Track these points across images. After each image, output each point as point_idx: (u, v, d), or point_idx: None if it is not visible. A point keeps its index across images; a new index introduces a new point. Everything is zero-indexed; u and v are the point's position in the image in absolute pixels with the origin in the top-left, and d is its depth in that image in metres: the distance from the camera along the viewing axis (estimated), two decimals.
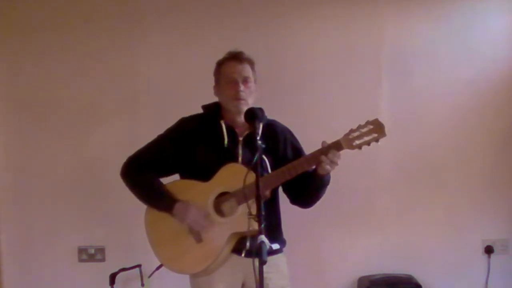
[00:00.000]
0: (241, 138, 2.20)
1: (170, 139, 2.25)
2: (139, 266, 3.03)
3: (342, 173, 2.99)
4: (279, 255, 2.25)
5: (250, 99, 2.19)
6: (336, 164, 2.03)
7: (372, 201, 3.12)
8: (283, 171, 2.06)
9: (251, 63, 2.22)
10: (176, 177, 2.32)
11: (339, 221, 3.08)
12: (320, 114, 3.08)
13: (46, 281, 3.17)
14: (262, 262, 1.69)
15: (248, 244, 2.15)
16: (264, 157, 2.10)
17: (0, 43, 3.13)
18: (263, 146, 1.99)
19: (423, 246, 3.12)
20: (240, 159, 2.17)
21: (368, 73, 3.11)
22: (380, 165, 3.11)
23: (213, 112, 2.25)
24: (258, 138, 2.07)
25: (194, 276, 2.23)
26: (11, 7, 3.12)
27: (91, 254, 3.16)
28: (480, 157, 3.13)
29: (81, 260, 3.17)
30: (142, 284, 3.02)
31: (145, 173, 2.23)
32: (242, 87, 2.15)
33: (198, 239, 2.13)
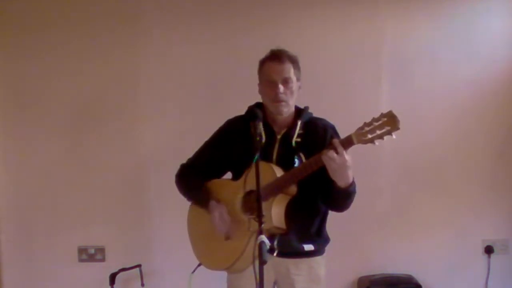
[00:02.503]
0: (279, 137, 2.18)
1: (215, 144, 2.29)
2: (139, 266, 3.03)
3: None
4: (316, 258, 2.21)
5: (291, 100, 2.15)
6: (336, 161, 1.92)
7: (372, 201, 3.12)
8: (303, 166, 2.03)
9: (293, 61, 2.16)
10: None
11: (340, 221, 3.06)
12: (320, 114, 3.06)
13: (46, 281, 3.17)
14: (262, 262, 1.68)
15: (276, 243, 2.14)
16: (301, 154, 2.11)
17: (0, 43, 3.13)
18: (299, 143, 2.05)
19: (423, 246, 3.12)
20: (274, 157, 2.15)
21: (368, 73, 3.11)
22: (380, 165, 3.11)
23: (251, 113, 2.21)
24: (295, 135, 2.13)
25: (228, 273, 2.25)
26: (11, 7, 3.12)
27: (91, 254, 3.16)
28: (480, 157, 3.13)
29: (81, 260, 3.17)
30: (142, 284, 3.02)
31: (192, 177, 2.28)
32: (282, 89, 2.10)
33: (226, 236, 2.15)
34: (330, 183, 2.00)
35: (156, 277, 3.08)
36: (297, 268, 2.14)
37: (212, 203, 2.17)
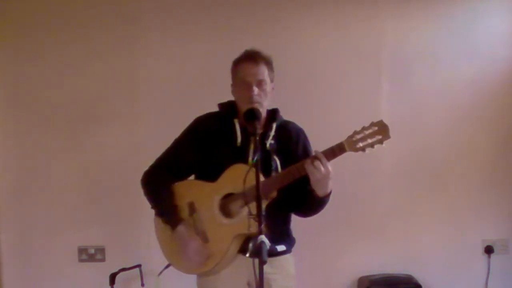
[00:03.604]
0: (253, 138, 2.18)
1: (185, 143, 2.24)
2: (139, 266, 3.03)
3: (342, 174, 3.00)
4: (286, 256, 2.23)
5: (265, 102, 2.15)
6: (321, 171, 1.95)
7: (372, 201, 3.12)
8: (287, 173, 2.04)
9: (267, 63, 2.16)
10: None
11: (339, 221, 3.07)
12: (320, 114, 3.08)
13: (46, 281, 3.17)
14: (262, 262, 1.69)
15: (251, 245, 2.14)
16: (275, 157, 2.10)
17: (0, 43, 3.13)
18: (273, 145, 2.02)
19: (423, 246, 3.13)
20: (250, 159, 2.13)
21: (368, 73, 3.11)
22: (380, 165, 3.11)
23: (228, 111, 2.22)
24: (270, 138, 2.12)
25: (200, 276, 2.23)
26: (11, 7, 3.12)
27: (91, 254, 3.16)
28: (480, 157, 3.13)
29: (81, 260, 3.17)
30: (142, 284, 3.02)
31: (160, 184, 2.22)
32: (256, 91, 2.10)
33: (205, 239, 2.14)
34: (307, 190, 2.04)
35: (156, 277, 3.08)
36: (272, 267, 2.12)
37: (181, 229, 2.13)
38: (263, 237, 1.71)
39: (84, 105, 3.14)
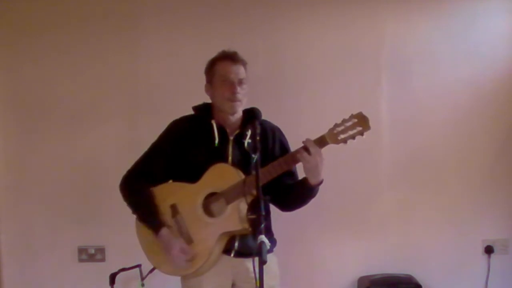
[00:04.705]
0: (231, 138, 2.20)
1: (163, 146, 2.26)
2: (139, 266, 3.02)
3: (342, 173, 3.00)
4: (269, 255, 2.21)
5: (244, 100, 2.20)
6: (315, 158, 2.01)
7: (372, 201, 3.12)
8: (268, 169, 2.07)
9: (244, 64, 2.22)
10: None
11: (340, 221, 3.08)
12: (320, 114, 3.07)
13: (46, 281, 3.17)
14: (263, 262, 1.69)
15: (236, 244, 2.16)
16: (253, 155, 2.10)
17: (0, 43, 3.13)
18: (251, 144, 2.06)
19: (423, 246, 3.13)
20: (230, 158, 2.17)
21: (368, 73, 3.11)
22: (380, 164, 3.11)
23: (203, 112, 2.25)
24: (248, 137, 2.15)
25: (185, 278, 2.24)
26: (11, 8, 3.12)
27: (91, 254, 3.16)
28: (480, 157, 3.14)
29: (81, 260, 3.17)
30: (142, 284, 3.02)
31: (140, 190, 2.24)
32: (238, 89, 2.15)
33: (189, 240, 2.14)
34: (295, 181, 2.12)
35: (156, 277, 3.08)
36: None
37: (165, 233, 2.15)
38: (263, 237, 1.72)
39: (84, 105, 3.14)
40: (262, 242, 1.70)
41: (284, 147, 2.28)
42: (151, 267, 3.08)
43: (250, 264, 2.10)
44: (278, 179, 2.11)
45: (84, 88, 3.14)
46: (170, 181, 2.29)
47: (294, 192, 2.18)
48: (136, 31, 3.11)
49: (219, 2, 3.12)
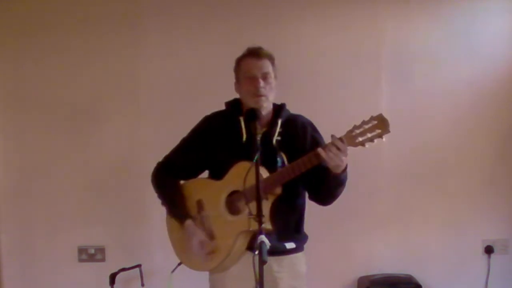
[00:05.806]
0: (259, 136, 2.13)
1: (192, 141, 2.26)
2: (139, 266, 3.03)
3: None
4: (297, 254, 2.22)
5: (270, 95, 2.15)
6: (339, 156, 1.95)
7: (372, 201, 3.12)
8: (287, 169, 2.04)
9: (271, 58, 2.18)
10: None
11: (340, 221, 3.07)
12: (320, 114, 3.05)
13: (46, 281, 3.17)
14: (262, 262, 1.69)
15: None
16: (282, 153, 2.11)
17: (0, 43, 3.13)
18: (279, 142, 2.05)
19: (423, 246, 3.13)
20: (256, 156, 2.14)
21: (368, 73, 3.11)
22: (380, 165, 3.11)
23: (233, 108, 2.23)
24: (276, 134, 2.12)
25: (211, 273, 2.25)
26: (11, 8, 3.12)
27: (91, 254, 3.16)
28: (480, 157, 3.14)
29: (81, 260, 3.17)
30: (142, 284, 3.02)
31: (169, 182, 2.26)
32: (262, 83, 2.11)
33: (211, 236, 2.15)
34: (322, 174, 2.04)
35: (156, 277, 3.08)
36: (280, 265, 2.13)
37: (189, 223, 2.16)
38: (263, 237, 1.72)
39: (84, 105, 3.14)
40: (262, 242, 1.70)
41: (316, 143, 2.18)
42: (151, 267, 3.11)
43: (273, 262, 2.10)
44: (308, 174, 2.05)
45: (84, 88, 3.14)
46: (199, 176, 2.29)
47: (322, 186, 2.12)
48: (136, 31, 3.11)
49: (219, 2, 3.12)
